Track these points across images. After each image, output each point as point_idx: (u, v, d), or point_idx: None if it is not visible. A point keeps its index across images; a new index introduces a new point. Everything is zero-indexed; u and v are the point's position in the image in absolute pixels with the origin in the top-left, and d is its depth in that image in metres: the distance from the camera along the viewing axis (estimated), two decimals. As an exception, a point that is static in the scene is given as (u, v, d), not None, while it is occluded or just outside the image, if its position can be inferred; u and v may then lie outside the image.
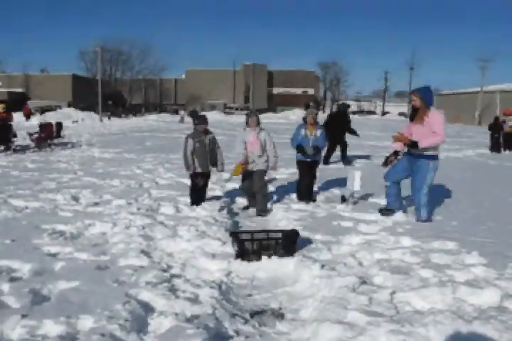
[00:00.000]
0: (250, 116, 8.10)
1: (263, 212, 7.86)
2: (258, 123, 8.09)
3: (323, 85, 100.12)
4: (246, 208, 8.35)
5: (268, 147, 8.05)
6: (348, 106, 16.05)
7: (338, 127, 14.29)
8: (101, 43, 60.91)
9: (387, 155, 7.54)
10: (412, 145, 6.84)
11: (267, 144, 8.05)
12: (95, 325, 3.62)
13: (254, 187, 7.98)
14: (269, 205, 8.12)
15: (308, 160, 8.51)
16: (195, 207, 7.86)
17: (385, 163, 7.54)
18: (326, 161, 14.24)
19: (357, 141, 22.17)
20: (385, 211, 7.40)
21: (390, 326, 3.61)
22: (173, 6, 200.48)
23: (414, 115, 6.97)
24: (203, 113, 52.73)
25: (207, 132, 8.09)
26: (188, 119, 46.87)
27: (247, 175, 8.10)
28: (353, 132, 14.77)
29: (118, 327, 3.57)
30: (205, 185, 8.23)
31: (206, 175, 8.14)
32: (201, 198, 8.15)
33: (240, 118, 63.37)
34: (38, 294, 4.24)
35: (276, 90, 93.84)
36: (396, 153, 7.40)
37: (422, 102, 6.83)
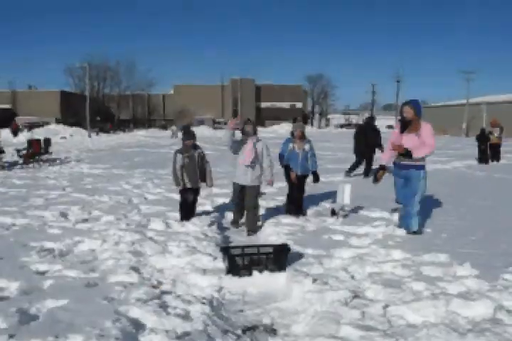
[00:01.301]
0: (246, 124, 7.82)
1: (253, 231, 7.70)
2: (255, 132, 7.82)
3: (311, 99, 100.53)
4: (234, 223, 8.13)
5: (265, 159, 7.71)
6: (374, 118, 15.96)
7: (367, 140, 14.31)
8: (88, 59, 61.12)
9: (377, 172, 7.56)
10: (406, 154, 6.90)
11: (264, 155, 7.73)
12: (84, 344, 3.55)
13: (246, 205, 7.81)
14: (259, 222, 8.05)
15: (298, 173, 8.50)
16: (184, 222, 7.81)
17: (375, 179, 7.57)
18: (349, 173, 14.27)
19: (346, 153, 22.19)
20: (413, 233, 7.13)
21: (383, 340, 3.57)
22: (160, 22, 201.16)
23: (405, 126, 7.03)
24: (191, 128, 52.84)
25: (195, 147, 8.07)
26: (180, 135, 46.99)
27: (240, 189, 7.91)
28: (380, 145, 14.29)
29: (108, 346, 3.50)
30: (195, 200, 8.19)
31: (195, 191, 8.10)
32: (191, 213, 8.11)
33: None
34: (25, 313, 4.16)
35: (264, 104, 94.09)
36: (383, 167, 7.43)
37: (414, 114, 6.94)
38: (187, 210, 8.07)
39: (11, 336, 3.62)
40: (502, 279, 4.94)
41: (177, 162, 7.87)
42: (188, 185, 7.95)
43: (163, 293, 4.73)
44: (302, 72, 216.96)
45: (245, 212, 7.86)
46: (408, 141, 6.93)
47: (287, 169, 8.56)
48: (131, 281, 5.02)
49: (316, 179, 8.74)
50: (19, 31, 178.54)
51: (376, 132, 14.65)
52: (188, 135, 8.12)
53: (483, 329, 3.70)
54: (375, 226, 7.53)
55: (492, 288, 4.66)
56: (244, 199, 7.85)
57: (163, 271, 5.48)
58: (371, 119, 15.46)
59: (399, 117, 7.41)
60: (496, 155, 20.58)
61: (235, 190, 8.01)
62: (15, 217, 8.27)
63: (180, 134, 46.63)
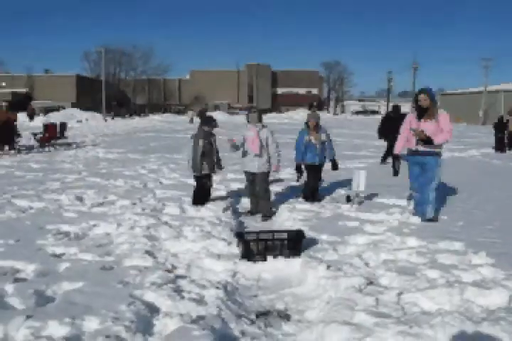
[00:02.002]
0: (250, 112, 7.86)
1: (268, 216, 7.76)
2: (260, 119, 7.78)
3: (327, 85, 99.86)
4: (251, 213, 8.07)
5: (270, 146, 7.68)
6: (399, 107, 15.89)
7: (392, 128, 14.26)
8: (105, 43, 61.11)
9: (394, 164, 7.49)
10: (427, 141, 6.87)
11: (268, 142, 7.69)
12: (100, 326, 3.59)
13: (258, 192, 7.85)
14: (273, 208, 8.05)
15: (316, 163, 8.46)
16: (199, 207, 7.83)
17: (396, 173, 7.49)
18: (384, 160, 14.21)
19: (362, 140, 22.10)
20: (428, 220, 7.13)
21: (397, 327, 3.57)
22: (177, 7, 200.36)
23: (422, 114, 6.99)
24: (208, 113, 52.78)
25: (212, 133, 8.08)
26: (198, 120, 46.87)
27: (250, 179, 7.95)
28: None
29: (123, 329, 3.54)
30: (210, 186, 8.22)
31: (210, 176, 8.12)
32: (206, 199, 8.12)
33: (243, 118, 63.55)
34: (42, 295, 4.22)
35: (280, 90, 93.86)
36: (397, 156, 7.39)
37: (431, 101, 6.93)
38: (202, 196, 8.09)
39: (28, 317, 3.66)
40: (518, 268, 4.90)
41: (199, 148, 7.82)
42: (206, 171, 7.95)
43: (178, 277, 4.76)
44: (318, 58, 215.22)
45: (259, 200, 7.86)
46: (426, 128, 6.89)
47: (299, 169, 8.60)
48: (146, 265, 5.05)
49: (335, 167, 8.72)
50: (37, 15, 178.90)
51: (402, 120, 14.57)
52: (210, 121, 8.10)
53: (498, 318, 3.67)
54: (390, 213, 7.50)
55: (507, 277, 4.63)
56: (255, 190, 7.89)
57: (177, 255, 5.51)
58: (397, 108, 15.34)
59: (412, 105, 7.36)
60: (513, 144, 20.35)
61: (247, 181, 8.07)
62: (32, 200, 8.35)
63: (196, 119, 46.63)
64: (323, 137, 8.42)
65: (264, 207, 7.80)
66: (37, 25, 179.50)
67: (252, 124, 7.77)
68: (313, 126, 8.40)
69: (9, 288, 4.34)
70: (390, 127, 13.75)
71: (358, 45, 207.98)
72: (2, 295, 4.17)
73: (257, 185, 7.79)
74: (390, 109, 15.86)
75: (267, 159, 7.76)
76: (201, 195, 8.08)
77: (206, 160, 7.88)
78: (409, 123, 7.18)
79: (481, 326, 3.56)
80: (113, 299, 4.06)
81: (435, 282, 4.53)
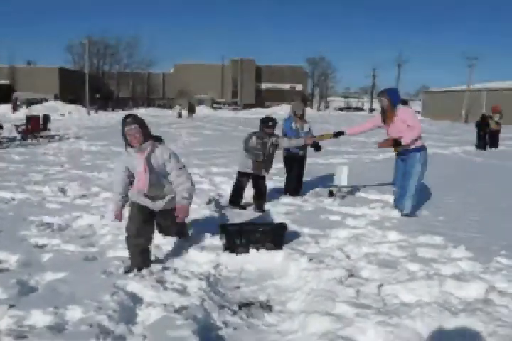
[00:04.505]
0: (125, 124, 4.64)
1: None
2: (147, 135, 4.66)
3: (311, 81, 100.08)
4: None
5: (173, 177, 4.68)
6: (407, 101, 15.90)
7: None
8: (88, 35, 60.61)
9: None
10: (396, 144, 6.91)
11: (171, 168, 4.67)
12: (83, 316, 3.61)
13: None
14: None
15: (299, 154, 8.50)
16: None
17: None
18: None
19: (345, 136, 22.20)
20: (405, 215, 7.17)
21: (377, 318, 3.64)
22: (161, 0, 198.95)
23: (385, 116, 7.06)
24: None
25: (272, 134, 7.58)
26: (185, 114, 46.65)
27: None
28: None
29: (106, 318, 3.57)
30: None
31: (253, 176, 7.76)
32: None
33: (226, 113, 63.50)
34: (25, 285, 4.23)
35: (264, 85, 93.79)
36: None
37: (389, 103, 6.96)
38: (239, 194, 7.84)
39: (11, 306, 3.68)
40: (495, 262, 5.00)
41: (249, 144, 7.50)
42: (249, 170, 7.64)
43: (161, 268, 4.79)
44: (302, 53, 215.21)
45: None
46: (394, 129, 6.95)
47: (287, 158, 8.57)
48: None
49: (318, 148, 8.25)
50: (19, 5, 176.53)
51: None
52: (269, 122, 7.54)
53: (475, 309, 3.76)
54: (372, 207, 7.58)
55: (485, 270, 4.72)
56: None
57: (160, 246, 5.52)
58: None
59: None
60: (494, 142, 20.60)
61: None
62: (14, 191, 8.31)
63: (184, 113, 46.41)
64: (306, 128, 8.46)
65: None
66: (18, 16, 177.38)
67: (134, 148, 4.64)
68: (300, 115, 8.44)
69: (-8, 277, 4.35)
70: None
71: (343, 41, 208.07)
72: (-16, 284, 4.18)
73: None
74: (373, 105, 16.00)
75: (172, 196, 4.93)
76: (238, 194, 7.83)
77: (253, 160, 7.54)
78: (375, 121, 7.37)
79: (458, 316, 3.64)
80: (96, 289, 4.08)
81: (415, 275, 4.60)
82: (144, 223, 4.85)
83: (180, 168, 4.70)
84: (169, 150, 4.76)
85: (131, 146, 4.62)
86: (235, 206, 7.72)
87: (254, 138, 7.48)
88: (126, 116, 4.70)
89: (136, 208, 4.91)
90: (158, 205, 4.87)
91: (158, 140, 4.81)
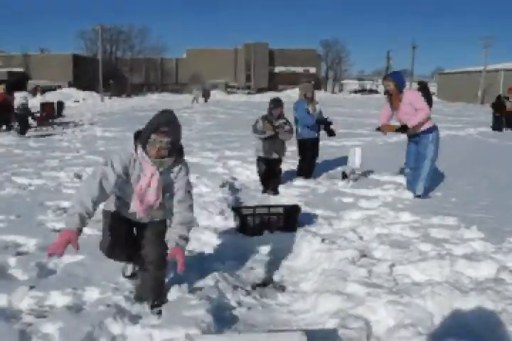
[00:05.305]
0: (159, 130, 3.51)
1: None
2: (174, 150, 3.57)
3: (325, 64, 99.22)
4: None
5: (177, 198, 3.64)
6: (426, 83, 15.73)
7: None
8: (101, 22, 60.55)
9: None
10: (403, 129, 6.91)
11: (177, 191, 3.65)
12: (101, 296, 3.73)
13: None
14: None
15: (314, 137, 8.53)
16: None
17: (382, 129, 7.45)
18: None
19: (358, 119, 22.11)
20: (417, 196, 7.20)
21: (388, 297, 3.69)
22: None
23: (391, 101, 7.05)
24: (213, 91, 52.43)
25: (280, 116, 7.66)
26: (201, 100, 46.33)
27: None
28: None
29: (123, 298, 3.68)
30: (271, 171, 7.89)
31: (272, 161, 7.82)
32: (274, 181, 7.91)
33: (241, 97, 63.34)
34: (44, 267, 4.34)
35: (277, 69, 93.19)
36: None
37: (395, 87, 6.92)
38: (268, 178, 7.87)
39: (31, 287, 3.79)
40: (507, 242, 5.01)
41: (257, 127, 7.58)
42: (261, 154, 7.72)
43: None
44: (316, 37, 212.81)
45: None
46: (402, 113, 6.95)
47: (302, 143, 8.59)
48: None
49: (332, 133, 8.55)
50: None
51: (428, 97, 14.59)
52: (276, 103, 7.62)
53: (486, 288, 3.79)
54: (385, 189, 7.60)
55: (497, 250, 4.74)
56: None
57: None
58: (423, 84, 15.21)
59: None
60: (510, 123, 20.35)
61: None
62: (31, 177, 8.44)
63: (201, 99, 46.18)
64: (318, 108, 8.48)
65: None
66: (31, 4, 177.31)
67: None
68: (311, 97, 8.45)
69: (12, 261, 4.46)
70: None
71: (357, 24, 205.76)
72: (5, 267, 4.30)
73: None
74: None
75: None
76: (266, 178, 7.88)
77: (264, 143, 7.63)
78: (386, 112, 7.29)
79: (469, 295, 3.68)
80: (113, 271, 4.18)
81: (427, 255, 4.64)
82: (124, 240, 3.79)
83: (189, 191, 3.69)
84: (187, 168, 3.73)
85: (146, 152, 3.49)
86: (268, 191, 7.76)
87: (260, 121, 7.57)
88: (168, 119, 3.63)
89: (112, 219, 3.76)
90: (144, 219, 3.80)
91: (180, 153, 3.66)
